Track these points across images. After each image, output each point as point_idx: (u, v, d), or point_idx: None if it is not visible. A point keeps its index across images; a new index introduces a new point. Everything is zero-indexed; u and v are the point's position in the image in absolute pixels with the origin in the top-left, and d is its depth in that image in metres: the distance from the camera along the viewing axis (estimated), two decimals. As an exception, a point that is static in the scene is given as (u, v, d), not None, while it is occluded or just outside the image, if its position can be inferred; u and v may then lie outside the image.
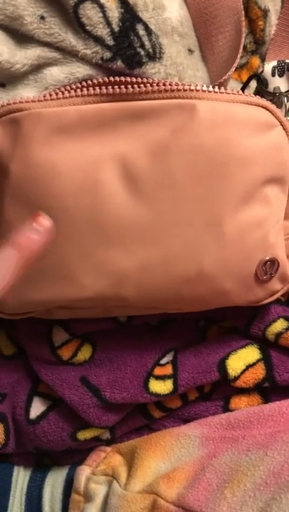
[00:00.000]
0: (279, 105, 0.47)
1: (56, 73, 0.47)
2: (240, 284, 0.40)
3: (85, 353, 0.46)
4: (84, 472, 0.46)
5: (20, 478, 0.49)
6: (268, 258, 0.40)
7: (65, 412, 0.46)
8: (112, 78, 0.40)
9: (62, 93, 0.38)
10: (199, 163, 0.38)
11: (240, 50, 0.48)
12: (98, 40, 0.45)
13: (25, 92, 0.46)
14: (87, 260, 0.39)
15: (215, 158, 0.38)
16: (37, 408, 0.47)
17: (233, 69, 0.47)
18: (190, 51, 0.51)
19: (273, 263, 0.41)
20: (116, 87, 0.38)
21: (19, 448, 0.48)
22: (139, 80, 0.39)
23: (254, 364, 0.45)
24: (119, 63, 0.46)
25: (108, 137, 0.38)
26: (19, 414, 0.47)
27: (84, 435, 0.46)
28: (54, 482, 0.48)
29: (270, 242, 0.40)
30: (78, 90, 0.38)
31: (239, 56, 0.47)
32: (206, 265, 0.39)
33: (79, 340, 0.47)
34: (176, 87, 0.38)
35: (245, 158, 0.38)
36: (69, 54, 0.47)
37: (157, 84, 0.38)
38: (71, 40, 0.45)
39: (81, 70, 0.47)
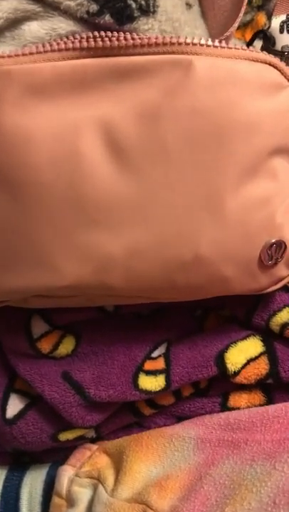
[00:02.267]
0: (287, 65, 0.42)
1: (36, 29, 0.41)
2: (241, 270, 0.35)
3: (67, 346, 0.42)
4: (66, 473, 0.42)
5: (-5, 479, 0.44)
6: (273, 241, 0.35)
7: (44, 410, 0.41)
8: (97, 32, 0.35)
9: (37, 48, 0.33)
10: (196, 129, 0.32)
11: (244, 5, 0.42)
12: (83, -11, 0.40)
13: (1, 50, 0.41)
14: (66, 243, 0.34)
15: (214, 123, 0.32)
16: (14, 406, 0.42)
17: (235, 25, 0.41)
18: (188, 5, 0.45)
19: (280, 246, 0.36)
20: (99, 39, 0.33)
21: (-4, 448, 0.44)
22: (128, 34, 0.34)
23: (256, 358, 0.40)
24: (108, 18, 0.41)
25: (90, 99, 0.33)
26: (-5, 413, 0.42)
27: (66, 436, 0.42)
28: (33, 482, 0.44)
29: (276, 222, 0.35)
30: (55, 45, 0.33)
31: (242, 11, 0.42)
32: (204, 249, 0.34)
33: (60, 332, 0.42)
34: (169, 40, 0.33)
35: (250, 123, 0.33)
36: (50, 7, 0.41)
37: (147, 38, 0.33)
38: (52, -11, 0.40)
39: (64, 26, 0.41)
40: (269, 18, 0.47)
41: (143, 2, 0.42)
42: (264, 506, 0.30)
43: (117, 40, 0.33)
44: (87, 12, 0.40)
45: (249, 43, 0.45)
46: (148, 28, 0.42)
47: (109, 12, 0.41)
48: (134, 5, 0.41)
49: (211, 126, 0.32)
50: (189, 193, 0.33)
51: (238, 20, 0.42)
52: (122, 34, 0.34)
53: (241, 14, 0.42)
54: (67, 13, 0.41)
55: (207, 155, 0.33)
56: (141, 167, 0.33)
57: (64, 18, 0.41)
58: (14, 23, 0.41)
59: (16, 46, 0.42)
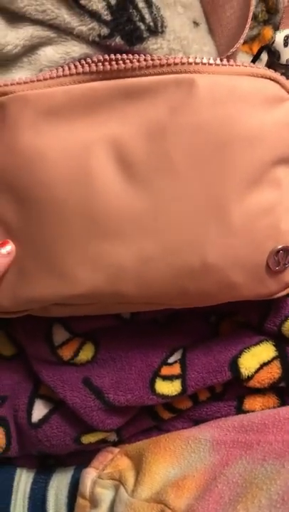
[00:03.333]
0: (292, 78, 0.43)
1: (51, 53, 0.44)
2: (250, 276, 0.37)
3: (87, 353, 0.44)
4: (90, 475, 0.43)
5: (23, 480, 0.46)
6: (280, 247, 0.36)
7: (67, 415, 0.43)
8: (106, 56, 0.37)
9: (50, 73, 0.35)
10: (200, 144, 0.34)
11: (249, 20, 0.44)
12: (94, 15, 0.42)
13: (19, 75, 0.44)
14: (80, 254, 0.36)
15: (217, 138, 0.34)
16: (39, 411, 0.44)
17: (241, 41, 0.43)
18: (195, 24, 0.47)
19: (287, 252, 0.37)
20: (106, 63, 0.35)
21: (22, 451, 0.46)
22: (131, 55, 0.36)
23: (269, 362, 0.41)
24: (118, 40, 0.43)
25: (99, 119, 0.35)
26: (21, 418, 0.44)
27: (88, 439, 0.43)
28: (59, 484, 0.46)
29: (282, 229, 0.36)
30: (66, 69, 0.35)
31: (248, 27, 0.43)
32: (212, 256, 0.35)
33: (80, 339, 0.44)
34: (172, 60, 0.34)
35: (252, 137, 0.34)
36: (64, 32, 0.44)
37: (152, 59, 0.35)
38: (65, 16, 0.42)
39: (77, 49, 0.44)
40: (276, 31, 0.49)
41: (151, 23, 0.44)
42: (273, 503, 0.31)
43: (124, 63, 0.35)
44: (99, 35, 0.43)
45: (255, 57, 0.46)
46: (157, 48, 0.44)
47: (119, 34, 0.43)
48: (143, 26, 0.43)
49: (214, 141, 0.34)
50: (196, 204, 0.35)
51: (244, 36, 0.43)
52: (129, 56, 0.36)
53: (246, 30, 0.43)
54: (80, 37, 0.43)
55: (212, 168, 0.34)
56: (149, 181, 0.35)
57: (77, 42, 0.44)
58: (31, 49, 0.44)
59: (32, 70, 0.45)
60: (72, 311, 0.40)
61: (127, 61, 0.35)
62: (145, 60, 0.35)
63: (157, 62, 0.34)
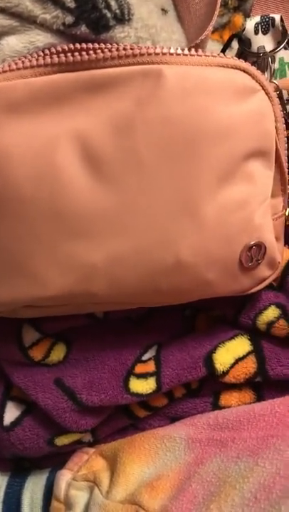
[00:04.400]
0: (264, 67, 0.42)
1: (14, 43, 0.42)
2: (223, 273, 0.36)
3: (58, 353, 0.43)
4: (64, 477, 0.42)
5: (-4, 485, 0.45)
6: (253, 243, 0.36)
7: (40, 416, 0.42)
8: (70, 45, 0.35)
9: (9, 65, 0.33)
10: (169, 138, 0.33)
11: (218, 7, 0.42)
12: (57, 2, 0.40)
13: (-19, 66, 0.42)
14: (49, 255, 0.34)
15: (187, 132, 0.33)
16: (11, 414, 0.43)
17: (210, 28, 0.42)
18: (163, 11, 0.45)
19: (260, 248, 0.36)
20: (69, 54, 0.33)
21: (-4, 454, 0.45)
22: (96, 45, 0.34)
23: (244, 357, 0.41)
24: (84, 28, 0.41)
25: (64, 113, 0.33)
26: (-7, 420, 0.43)
27: (62, 441, 0.42)
28: (34, 487, 0.45)
29: (255, 224, 0.36)
30: (27, 61, 0.33)
31: (216, 13, 0.42)
32: (184, 254, 0.34)
33: (51, 339, 0.43)
34: (138, 51, 0.33)
35: (223, 130, 0.33)
36: (26, 20, 0.42)
37: (117, 49, 0.33)
38: (27, 3, 0.40)
39: (41, 38, 0.42)
40: (246, 19, 0.48)
41: (118, 11, 0.42)
42: (246, 502, 0.30)
43: (88, 54, 0.33)
44: (63, 24, 0.41)
45: (226, 46, 0.45)
46: (124, 36, 0.43)
47: (84, 23, 0.41)
48: (109, 14, 0.42)
49: (184, 134, 0.33)
50: (166, 201, 0.34)
51: (212, 23, 0.42)
52: (94, 46, 0.34)
53: (215, 17, 0.42)
54: (43, 25, 0.42)
55: (181, 163, 0.33)
56: (117, 177, 0.33)
57: (41, 31, 0.42)
58: (-8, 38, 0.42)
59: (-6, 61, 0.43)
60: (42, 313, 0.39)
61: (91, 52, 0.33)
62: (110, 50, 0.33)
63: (122, 52, 0.33)
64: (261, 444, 0.34)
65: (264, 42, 0.43)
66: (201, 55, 0.34)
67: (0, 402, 0.43)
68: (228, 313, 0.42)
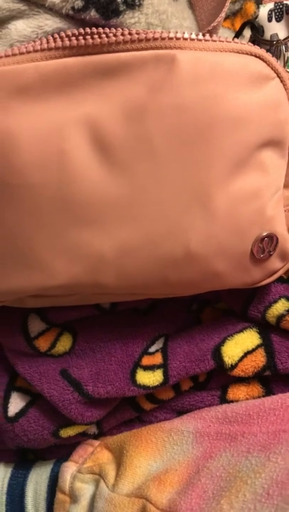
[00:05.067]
0: (277, 55, 0.41)
1: (22, 27, 0.41)
2: (234, 265, 0.35)
3: (64, 344, 0.42)
4: (69, 469, 0.42)
5: (0, 475, 0.45)
6: (265, 234, 0.35)
7: (45, 408, 0.42)
8: (80, 30, 0.34)
9: (19, 49, 0.33)
10: (181, 125, 0.32)
11: (231, -6, 0.41)
12: (67, -14, 0.39)
13: (-12, 51, 0.41)
14: (57, 243, 0.34)
15: (200, 119, 0.32)
16: (15, 404, 0.42)
17: (222, 15, 0.41)
18: (175, -4, 0.44)
19: (272, 239, 0.35)
20: (80, 37, 0.32)
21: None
22: (108, 29, 0.33)
23: (253, 350, 0.40)
24: (93, 13, 0.41)
25: (74, 98, 0.32)
26: (-3, 411, 0.43)
27: (67, 433, 0.42)
28: (38, 479, 0.44)
29: (267, 215, 0.35)
30: (38, 44, 0.33)
31: (228, 1, 0.41)
32: (195, 245, 0.34)
33: (57, 330, 0.42)
34: (152, 35, 0.32)
35: (236, 118, 0.33)
36: (35, 5, 0.41)
37: (129, 33, 0.32)
38: (36, -13, 0.39)
39: (50, 23, 0.41)
40: (259, 5, 0.47)
41: (128, -5, 0.41)
42: (258, 497, 0.30)
43: (99, 37, 0.32)
44: (73, 8, 0.40)
45: (238, 33, 0.44)
46: (134, 22, 0.42)
47: (94, 7, 0.40)
48: (119, -1, 0.41)
49: (197, 121, 0.32)
50: (178, 190, 0.33)
51: (225, 9, 0.41)
52: (105, 30, 0.33)
53: (227, 3, 0.41)
54: (52, 10, 0.41)
55: (194, 151, 0.32)
56: (128, 165, 0.33)
57: (50, 16, 0.41)
58: (0, 22, 0.41)
59: (3, 45, 0.42)
60: (49, 303, 0.38)
61: (103, 35, 0.32)
62: (122, 34, 0.32)
63: (135, 36, 0.32)
64: (273, 439, 0.33)
65: (277, 29, 0.42)
66: (215, 41, 0.33)
67: (4, 393, 0.43)
68: (236, 305, 0.42)
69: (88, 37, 0.32)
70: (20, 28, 0.41)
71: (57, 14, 0.41)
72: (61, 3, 0.40)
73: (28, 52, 0.32)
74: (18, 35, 0.41)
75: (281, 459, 0.31)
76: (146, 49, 0.32)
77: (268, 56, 0.34)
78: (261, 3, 0.47)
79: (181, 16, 0.44)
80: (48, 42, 0.33)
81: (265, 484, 0.30)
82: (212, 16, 0.43)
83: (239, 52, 0.33)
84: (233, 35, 0.46)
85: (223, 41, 0.33)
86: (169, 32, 0.33)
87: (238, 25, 0.46)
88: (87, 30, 0.34)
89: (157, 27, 0.43)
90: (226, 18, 0.50)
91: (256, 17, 0.43)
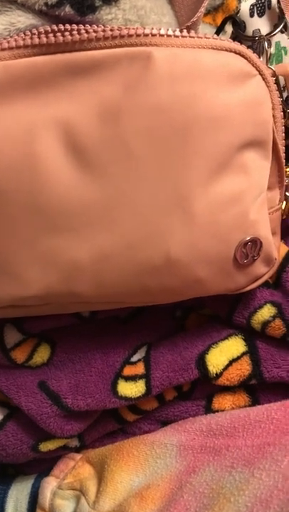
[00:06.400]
0: (259, 51, 0.39)
1: (-7, 24, 0.39)
2: (216, 271, 0.34)
3: (42, 355, 0.40)
4: (49, 486, 0.40)
5: (-19, 492, 0.43)
6: (248, 239, 0.34)
7: (24, 421, 0.40)
8: (54, 27, 0.33)
9: (-14, 46, 0.31)
10: (159, 126, 0.31)
11: (211, -13, 0.40)
12: (39, -20, 0.38)
13: None
14: (30, 251, 0.32)
15: (177, 119, 0.31)
16: (-8, 418, 0.41)
17: (202, 10, 0.39)
18: (153, -9, 0.43)
19: (255, 244, 0.34)
20: (51, 35, 0.31)
21: (-22, 460, 0.42)
22: (81, 26, 0.32)
23: (238, 358, 0.39)
24: (68, 9, 0.39)
25: (46, 98, 0.31)
26: (-26, 425, 0.41)
27: (47, 446, 0.40)
28: (18, 495, 0.43)
29: (250, 219, 0.34)
30: (4, 42, 0.31)
31: (209, -4, 0.40)
32: (174, 251, 0.32)
33: (35, 340, 0.40)
34: (126, 32, 0.31)
35: (216, 117, 0.31)
36: (7, 0, 0.39)
37: (103, 30, 0.31)
38: (7, -18, 0.38)
39: (22, 20, 0.39)
40: (240, 1, 0.45)
41: (104, -9, 0.40)
42: None
43: (71, 34, 0.31)
44: (46, 4, 0.38)
45: (219, 29, 0.42)
46: (111, 18, 0.40)
47: (69, 3, 0.39)
48: (95, -6, 0.39)
49: (174, 122, 0.31)
50: (156, 194, 0.31)
51: (205, 4, 0.40)
52: (78, 27, 0.32)
53: (208, -2, 0.40)
54: (25, 6, 0.39)
55: (172, 152, 0.31)
56: (103, 168, 0.31)
57: (22, 12, 0.39)
58: (-29, 19, 0.39)
59: (-27, 43, 0.40)
60: (25, 312, 0.37)
61: (75, 32, 0.31)
62: (95, 31, 0.31)
63: (109, 33, 0.31)
64: (257, 453, 0.32)
65: (259, 25, 0.41)
66: (193, 37, 0.31)
67: (-19, 406, 0.41)
68: (221, 312, 0.40)
69: (59, 34, 0.31)
70: (-9, 25, 0.39)
71: (30, 10, 0.40)
72: (33, -2, 0.38)
73: (-5, 50, 0.31)
74: (-10, 33, 0.39)
75: (265, 475, 0.30)
76: (121, 46, 0.31)
77: (249, 53, 0.32)
78: (243, -2, 0.46)
79: (160, 12, 0.43)
80: (16, 40, 0.31)
81: (249, 502, 0.29)
82: (192, 12, 0.41)
83: (219, 49, 0.32)
84: (215, 31, 0.45)
85: (201, 37, 0.32)
86: (144, 28, 0.31)
87: (219, 21, 0.45)
88: (60, 27, 0.33)
89: (135, 23, 0.41)
90: (207, 13, 0.48)
91: (238, 12, 0.41)
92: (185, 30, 0.32)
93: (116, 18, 0.41)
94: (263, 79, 0.33)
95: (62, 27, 0.32)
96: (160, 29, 0.31)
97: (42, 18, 0.40)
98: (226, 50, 0.32)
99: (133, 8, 0.41)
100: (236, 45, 0.32)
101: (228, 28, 0.43)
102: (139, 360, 0.40)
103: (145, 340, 0.41)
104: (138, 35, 0.31)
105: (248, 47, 0.40)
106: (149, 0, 0.42)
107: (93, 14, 0.40)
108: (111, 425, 0.42)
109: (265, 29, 0.41)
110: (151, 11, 0.42)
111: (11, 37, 0.35)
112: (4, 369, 0.40)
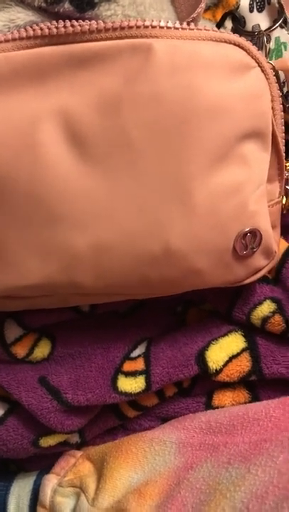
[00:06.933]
0: (259, 46, 0.40)
1: (-7, 21, 0.40)
2: (215, 262, 0.34)
3: (42, 350, 0.40)
4: (50, 483, 0.40)
5: (-18, 488, 0.43)
6: (247, 230, 0.33)
7: (25, 416, 0.40)
8: (54, 22, 0.33)
9: (-12, 38, 0.31)
10: (159, 117, 0.31)
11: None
12: (40, -23, 0.38)
13: None
14: (30, 240, 0.32)
15: (177, 110, 0.31)
16: (-8, 413, 0.41)
17: (202, 5, 0.39)
18: (153, -13, 0.43)
19: (255, 235, 0.34)
20: (52, 26, 0.31)
21: (-23, 456, 0.42)
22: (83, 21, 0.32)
23: (238, 354, 0.38)
24: (67, 5, 0.39)
25: (47, 89, 0.31)
26: (-26, 420, 0.41)
27: (47, 442, 0.40)
28: (20, 492, 0.42)
29: (249, 210, 0.33)
30: (8, 35, 0.31)
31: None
32: (174, 242, 0.32)
33: (35, 335, 0.40)
34: (127, 23, 0.31)
35: (215, 108, 0.31)
36: (7, -3, 0.39)
37: (105, 22, 0.31)
38: (8, -20, 0.38)
39: (22, 16, 0.40)
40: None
41: (104, -13, 0.40)
42: None
43: (72, 26, 0.31)
44: (46, 1, 0.39)
45: (219, 24, 0.43)
46: (111, 14, 0.40)
47: (68, -1, 0.39)
48: (94, -10, 0.39)
49: (174, 113, 0.31)
50: (156, 184, 0.31)
51: (205, 0, 0.40)
52: (79, 22, 0.32)
53: (208, -6, 0.40)
54: (24, 2, 0.39)
55: (172, 143, 0.31)
56: (104, 158, 0.31)
57: (22, 8, 0.40)
58: (-29, 16, 0.40)
59: (-26, 40, 0.40)
60: (26, 305, 0.37)
61: (76, 24, 0.31)
62: (96, 23, 0.31)
63: (110, 25, 0.31)
64: (253, 449, 0.31)
65: (259, 20, 0.41)
66: (193, 29, 0.32)
67: (-19, 402, 0.41)
68: (220, 307, 0.40)
69: (61, 26, 0.31)
70: (-9, 21, 0.40)
71: (29, 7, 0.40)
72: (33, -6, 0.39)
73: (-1, 42, 0.31)
74: (-11, 29, 0.40)
75: (261, 471, 0.29)
76: (122, 38, 0.31)
77: (248, 44, 0.33)
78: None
79: (160, 8, 0.43)
80: (18, 31, 0.31)
81: (245, 498, 0.29)
82: (192, 7, 0.42)
83: (218, 41, 0.32)
84: (214, 26, 0.45)
85: (201, 29, 0.32)
86: (145, 20, 0.31)
87: (219, 17, 0.45)
88: (60, 22, 0.33)
89: (135, 19, 0.42)
90: (207, 9, 0.48)
91: (237, 7, 0.42)
92: (185, 23, 0.32)
93: (115, 14, 0.41)
94: (262, 71, 0.33)
95: (62, 22, 0.33)
96: (160, 21, 0.32)
97: (41, 15, 0.40)
98: (225, 42, 0.32)
99: (132, 4, 0.41)
100: (235, 37, 0.32)
101: (228, 24, 0.44)
102: (139, 356, 0.40)
103: (145, 335, 0.41)
104: (138, 27, 0.31)
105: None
106: (149, -4, 0.43)
107: (92, 10, 0.40)
108: (111, 421, 0.41)
109: (264, 24, 0.41)
110: (151, 6, 0.42)
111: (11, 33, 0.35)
112: (4, 364, 0.40)
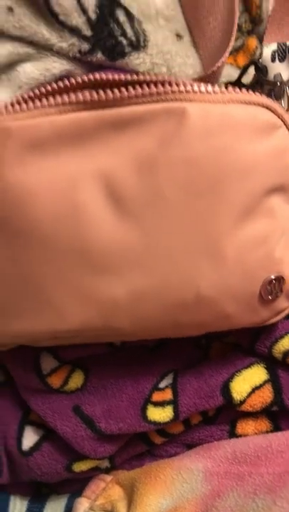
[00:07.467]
0: (280, 95, 0.42)
1: (30, 70, 0.42)
2: (242, 307, 0.36)
3: (76, 381, 0.43)
4: (82, 506, 0.43)
5: (17, 509, 0.46)
6: (273, 277, 0.36)
7: (59, 442, 0.42)
8: (91, 76, 0.35)
9: (33, 102, 0.33)
10: (192, 178, 0.33)
11: (234, 33, 0.42)
12: (74, 30, 0.41)
13: (-2, 93, 0.42)
14: (70, 289, 0.35)
15: (210, 171, 0.33)
16: (29, 438, 0.43)
17: (226, 54, 0.42)
18: (178, 36, 0.45)
19: (279, 281, 0.36)
20: (94, 92, 0.33)
21: (14, 479, 0.45)
22: (118, 77, 0.34)
23: (261, 386, 0.41)
24: (100, 55, 0.42)
25: (88, 151, 0.33)
26: (11, 445, 0.43)
27: (80, 467, 0.43)
28: None
29: (275, 258, 0.36)
30: (51, 98, 0.33)
31: (233, 39, 0.42)
32: (204, 290, 0.35)
33: (69, 367, 0.43)
34: (162, 89, 0.33)
35: (245, 168, 0.34)
36: (43, 48, 0.42)
37: (141, 87, 0.33)
38: (44, 32, 0.41)
39: (57, 66, 0.42)
40: (261, 41, 0.48)
41: (133, 38, 0.42)
42: None
43: (112, 92, 0.33)
44: (80, 51, 0.41)
45: (241, 73, 0.45)
46: (140, 63, 0.43)
47: (100, 50, 0.41)
48: (124, 41, 0.42)
49: (206, 173, 0.33)
50: (188, 239, 0.34)
51: (229, 49, 0.42)
52: (115, 77, 0.34)
53: (232, 43, 0.42)
54: (60, 53, 0.42)
55: (203, 201, 0.33)
56: (141, 215, 0.33)
57: (57, 58, 0.42)
58: (9, 66, 0.42)
59: (11, 88, 0.43)
60: (63, 342, 0.39)
61: (115, 90, 0.33)
62: (134, 88, 0.33)
63: (147, 91, 0.33)
64: (278, 482, 0.34)
65: (280, 69, 0.44)
66: (224, 93, 0.34)
67: (18, 427, 0.44)
68: (243, 341, 0.43)
69: (101, 91, 0.33)
70: (28, 70, 0.42)
71: (64, 57, 0.42)
72: (68, 46, 0.41)
73: (43, 106, 0.33)
74: (27, 78, 0.42)
75: (286, 503, 0.32)
76: (158, 102, 0.33)
77: (275, 105, 0.35)
78: (262, 40, 0.48)
79: (185, 54, 0.45)
80: (61, 96, 0.33)
81: None
82: (215, 55, 0.44)
83: (247, 103, 0.34)
84: (236, 71, 0.47)
85: (231, 92, 0.34)
86: (179, 85, 0.33)
87: (240, 61, 0.47)
88: (97, 77, 0.35)
89: (162, 66, 0.44)
90: (229, 54, 0.51)
91: (260, 57, 0.44)
92: (217, 86, 0.34)
93: (144, 62, 0.43)
94: (288, 129, 0.35)
95: (98, 77, 0.35)
96: (193, 85, 0.34)
97: (75, 64, 0.43)
98: (254, 104, 0.34)
99: (160, 52, 0.44)
100: (263, 99, 0.35)
101: (250, 71, 0.46)
102: (166, 387, 0.42)
103: (171, 367, 0.44)
104: (173, 92, 0.33)
105: (269, 90, 0.43)
106: (175, 44, 0.45)
107: (122, 59, 0.43)
108: (140, 447, 0.44)
109: (285, 73, 0.43)
110: (177, 54, 0.45)
111: (52, 90, 0.37)
112: (41, 393, 0.43)
